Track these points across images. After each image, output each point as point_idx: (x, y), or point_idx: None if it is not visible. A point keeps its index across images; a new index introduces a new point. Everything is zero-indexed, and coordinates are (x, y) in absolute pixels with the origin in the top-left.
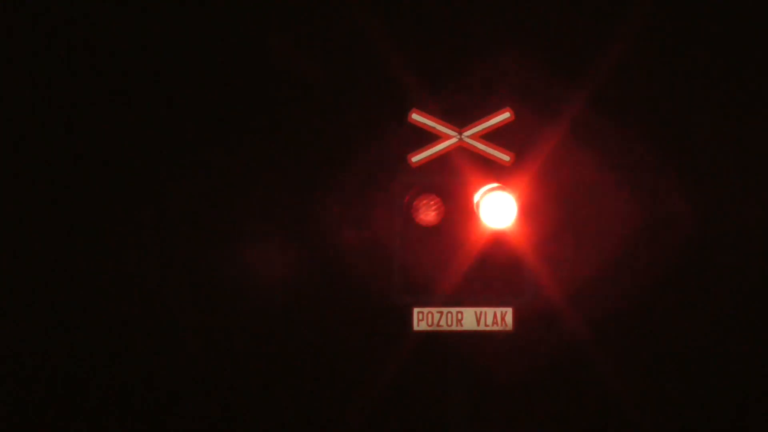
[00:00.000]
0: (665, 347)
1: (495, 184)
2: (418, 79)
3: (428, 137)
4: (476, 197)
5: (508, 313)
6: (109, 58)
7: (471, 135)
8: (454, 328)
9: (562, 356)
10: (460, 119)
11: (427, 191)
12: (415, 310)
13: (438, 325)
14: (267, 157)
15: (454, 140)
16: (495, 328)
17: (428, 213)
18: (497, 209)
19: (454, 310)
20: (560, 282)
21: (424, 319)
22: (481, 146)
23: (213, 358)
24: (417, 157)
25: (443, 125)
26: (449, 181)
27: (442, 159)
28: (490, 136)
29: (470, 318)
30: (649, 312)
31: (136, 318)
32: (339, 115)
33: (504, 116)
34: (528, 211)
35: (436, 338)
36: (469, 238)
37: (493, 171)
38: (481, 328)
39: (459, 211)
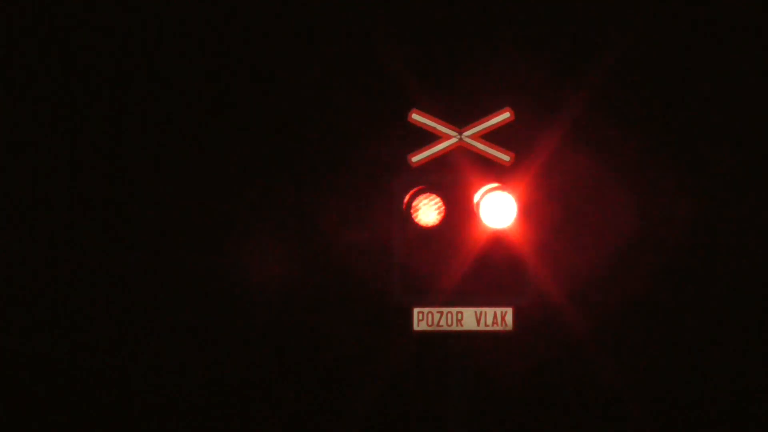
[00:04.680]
0: (665, 346)
1: (495, 184)
2: (418, 79)
3: (428, 137)
4: (476, 197)
5: (508, 313)
6: (108, 57)
7: (471, 135)
8: (454, 328)
9: (562, 356)
10: (460, 119)
11: (427, 191)
12: (415, 310)
13: (438, 325)
14: (266, 157)
15: (454, 140)
16: (495, 328)
17: (429, 213)
18: (497, 209)
19: (454, 310)
20: (560, 282)
21: (424, 319)
22: (481, 146)
23: (212, 358)
24: (417, 157)
25: (443, 125)
26: (449, 181)
27: (442, 159)
28: (490, 136)
29: (470, 318)
30: (649, 311)
31: (135, 318)
32: (339, 115)
33: (504, 116)
34: (528, 211)
35: (436, 338)
36: (469, 238)
37: (493, 171)
38: (481, 328)
39: (459, 211)
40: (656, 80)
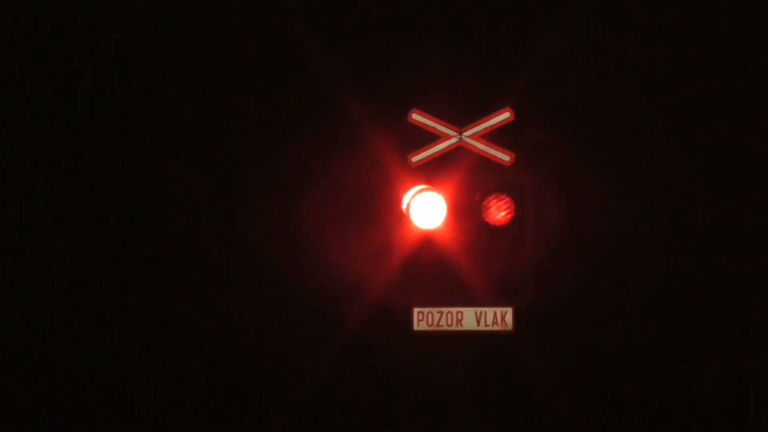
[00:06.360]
0: (665, 346)
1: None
2: (418, 79)
3: (428, 137)
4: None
5: (508, 313)
6: (108, 57)
7: (471, 135)
8: (454, 328)
9: (562, 356)
10: (460, 119)
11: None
12: (415, 310)
13: (438, 325)
14: (266, 157)
15: (454, 140)
16: (495, 328)
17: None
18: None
19: (454, 310)
20: (560, 282)
21: (424, 319)
22: (481, 146)
23: (211, 358)
24: (417, 157)
25: (443, 125)
26: (449, 181)
27: (442, 159)
28: (490, 136)
29: (470, 318)
30: (649, 311)
31: (136, 317)
32: (339, 114)
33: (504, 116)
34: (528, 211)
35: (436, 338)
36: (469, 238)
37: (493, 171)
38: (481, 328)
39: (459, 211)
40: (656, 80)
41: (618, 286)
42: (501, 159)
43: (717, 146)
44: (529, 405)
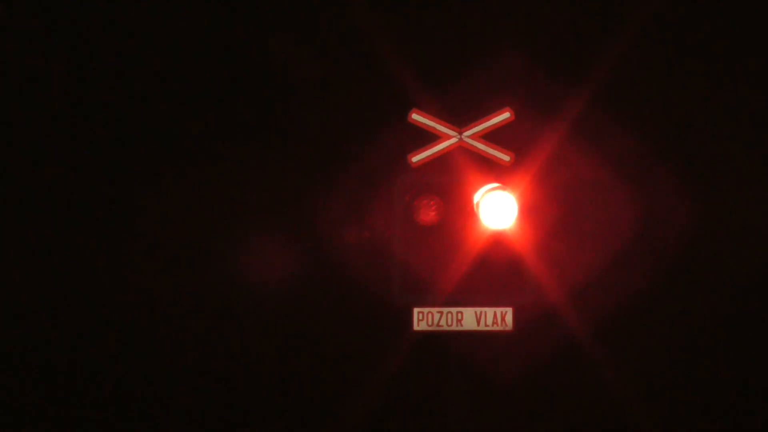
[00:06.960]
0: (665, 347)
1: (495, 184)
2: (418, 79)
3: (428, 137)
4: (476, 197)
5: (508, 313)
6: (108, 57)
7: (471, 135)
8: (454, 328)
9: (562, 356)
10: (460, 119)
11: (427, 191)
12: (415, 310)
13: (438, 325)
14: (266, 157)
15: (454, 140)
16: (495, 328)
17: (428, 213)
18: (497, 209)
19: (454, 310)
20: (560, 282)
21: (424, 319)
22: (481, 146)
23: (212, 358)
24: (417, 157)
25: (443, 125)
26: (449, 181)
27: (442, 159)
28: (490, 136)
29: (470, 318)
30: (649, 312)
31: (135, 318)
32: (339, 115)
33: (504, 116)
34: (528, 211)
35: (436, 338)
36: (469, 238)
37: (493, 171)
38: (481, 328)
39: (459, 211)
40: (657, 79)
41: (618, 286)
42: (501, 159)
43: (723, 146)
44: (529, 405)
